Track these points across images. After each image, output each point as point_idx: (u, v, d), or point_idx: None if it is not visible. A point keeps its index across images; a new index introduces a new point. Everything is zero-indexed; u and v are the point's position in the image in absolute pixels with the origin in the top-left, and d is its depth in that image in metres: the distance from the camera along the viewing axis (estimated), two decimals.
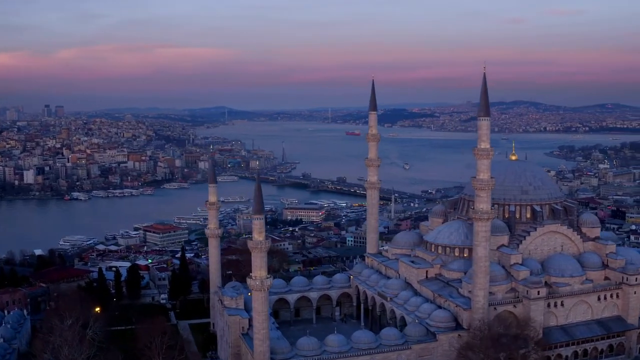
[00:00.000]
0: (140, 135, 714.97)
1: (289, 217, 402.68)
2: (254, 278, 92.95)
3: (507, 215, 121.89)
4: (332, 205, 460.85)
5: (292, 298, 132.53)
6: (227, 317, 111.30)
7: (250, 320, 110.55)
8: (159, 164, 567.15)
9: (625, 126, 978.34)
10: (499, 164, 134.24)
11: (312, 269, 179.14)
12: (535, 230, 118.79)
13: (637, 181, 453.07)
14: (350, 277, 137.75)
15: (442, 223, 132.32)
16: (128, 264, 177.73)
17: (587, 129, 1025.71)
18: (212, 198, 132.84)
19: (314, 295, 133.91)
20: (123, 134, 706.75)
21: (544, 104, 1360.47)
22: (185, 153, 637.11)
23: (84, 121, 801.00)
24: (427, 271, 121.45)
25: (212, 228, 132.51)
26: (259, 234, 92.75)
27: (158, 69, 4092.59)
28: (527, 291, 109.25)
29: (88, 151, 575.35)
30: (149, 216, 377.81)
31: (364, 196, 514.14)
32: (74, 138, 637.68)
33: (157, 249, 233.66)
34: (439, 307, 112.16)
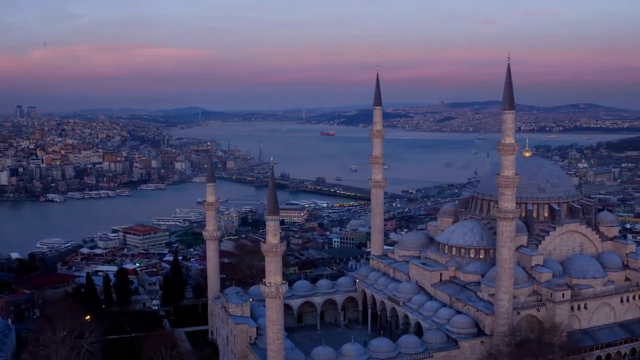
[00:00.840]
0: (115, 135, 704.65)
1: None
2: (268, 284, 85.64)
3: (524, 215, 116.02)
4: (313, 205, 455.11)
5: (295, 303, 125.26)
6: (233, 326, 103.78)
7: (258, 329, 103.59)
8: (135, 164, 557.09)
9: (598, 126, 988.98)
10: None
11: (308, 271, 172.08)
12: (555, 229, 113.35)
13: (618, 180, 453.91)
14: (355, 281, 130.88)
15: (452, 223, 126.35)
16: (115, 268, 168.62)
17: (561, 128, 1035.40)
18: (211, 198, 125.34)
19: (318, 300, 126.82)
20: (97, 134, 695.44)
21: (517, 103, 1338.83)
22: (161, 154, 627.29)
23: (57, 122, 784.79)
24: (441, 274, 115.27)
25: (211, 230, 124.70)
26: (273, 237, 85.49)
27: (132, 70, 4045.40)
28: (551, 294, 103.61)
29: (62, 152, 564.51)
30: (127, 218, 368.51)
31: (344, 196, 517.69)
32: (48, 139, 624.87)
33: (144, 252, 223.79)
34: (458, 312, 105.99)
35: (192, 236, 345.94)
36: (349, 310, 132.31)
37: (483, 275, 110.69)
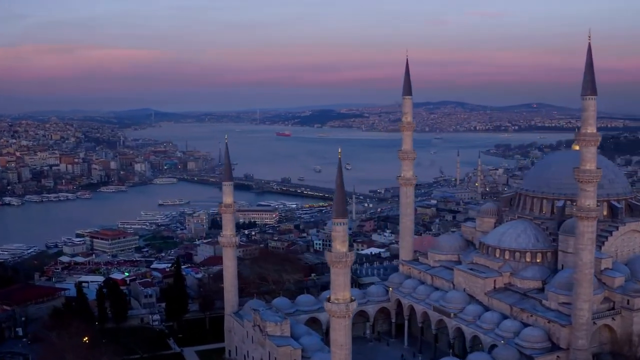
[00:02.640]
0: (69, 137, 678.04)
1: (241, 220, 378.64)
2: (335, 301, 71.53)
3: (571, 214, 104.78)
4: (282, 206, 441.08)
5: (324, 317, 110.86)
6: (273, 348, 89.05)
7: (302, 350, 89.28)
8: (94, 166, 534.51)
9: (553, 125, 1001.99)
10: (561, 155, 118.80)
11: (315, 278, 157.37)
12: (617, 229, 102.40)
13: None
14: (388, 290, 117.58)
15: (495, 223, 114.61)
16: (101, 278, 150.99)
17: (516, 127, 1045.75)
18: (228, 199, 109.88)
19: None
20: (51, 135, 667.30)
21: (470, 103, 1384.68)
22: (119, 155, 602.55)
23: (9, 123, 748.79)
24: (494, 280, 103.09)
25: (229, 235, 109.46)
26: (342, 244, 71.47)
27: (82, 71, 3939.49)
28: (628, 301, 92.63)
29: (17, 154, 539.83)
30: (90, 221, 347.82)
31: (311, 197, 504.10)
32: (1, 140, 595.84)
33: (132, 259, 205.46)
34: (524, 323, 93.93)
35: (161, 240, 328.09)
36: (377, 322, 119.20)
37: (544, 282, 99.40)
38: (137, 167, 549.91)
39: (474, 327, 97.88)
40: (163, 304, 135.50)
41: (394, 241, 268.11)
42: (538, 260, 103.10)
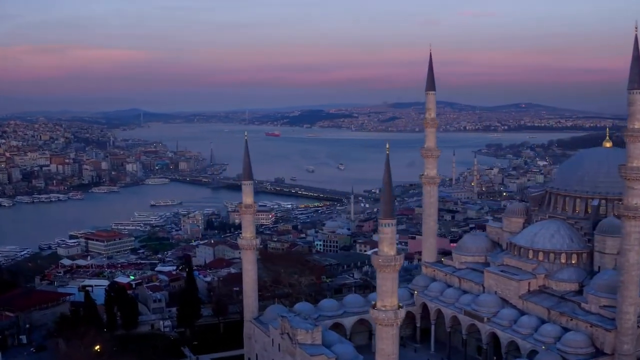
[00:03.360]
0: (59, 137, 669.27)
1: (237, 221, 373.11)
2: (383, 308, 66.87)
3: (617, 213, 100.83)
4: (277, 207, 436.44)
5: (348, 322, 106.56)
6: (306, 357, 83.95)
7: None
8: (85, 166, 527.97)
9: (543, 124, 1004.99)
10: (593, 152, 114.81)
11: (328, 280, 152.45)
12: None
13: None
14: (413, 293, 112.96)
15: (524, 223, 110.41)
16: (106, 282, 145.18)
17: (505, 127, 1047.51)
18: (248, 199, 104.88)
19: None
20: (40, 136, 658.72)
21: (459, 103, 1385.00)
22: (110, 155, 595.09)
23: None
24: (529, 283, 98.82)
25: (249, 237, 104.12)
26: (389, 247, 66.78)
27: (71, 71, 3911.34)
28: None
29: (7, 154, 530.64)
30: (83, 223, 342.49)
31: (305, 197, 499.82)
32: None
33: (138, 262, 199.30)
34: (564, 328, 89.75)
35: (157, 241, 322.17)
36: (400, 327, 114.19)
37: (580, 284, 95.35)
38: (129, 167, 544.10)
39: (510, 332, 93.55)
40: (172, 309, 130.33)
41: (398, 242, 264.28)
42: (573, 262, 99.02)
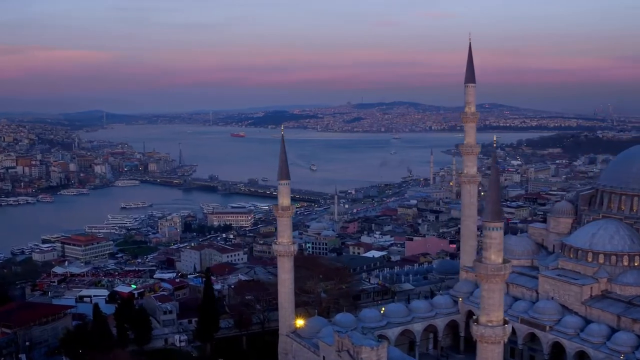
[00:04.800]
0: (22, 139, 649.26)
1: (216, 223, 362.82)
2: (490, 324, 58.58)
3: None
4: (254, 208, 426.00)
5: (392, 334, 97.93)
6: None
7: None
8: (53, 168, 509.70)
9: (507, 125, 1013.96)
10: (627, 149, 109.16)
11: (344, 286, 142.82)
12: None
13: (564, 176, 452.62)
14: (458, 300, 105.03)
15: (573, 223, 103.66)
16: (105, 292, 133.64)
17: None
18: (286, 200, 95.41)
19: (417, 327, 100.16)
20: (4, 137, 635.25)
21: (422, 104, 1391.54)
22: (77, 157, 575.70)
23: None
24: (591, 287, 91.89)
25: (286, 243, 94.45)
26: (497, 254, 58.58)
27: (30, 72, 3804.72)
28: None
29: None
30: (55, 226, 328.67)
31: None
32: None
33: (133, 269, 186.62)
34: (638, 336, 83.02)
35: (135, 245, 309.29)
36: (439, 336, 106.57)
37: None
38: (97, 169, 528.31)
39: (578, 341, 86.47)
40: (184, 321, 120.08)
41: (393, 243, 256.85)
42: (636, 264, 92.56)
